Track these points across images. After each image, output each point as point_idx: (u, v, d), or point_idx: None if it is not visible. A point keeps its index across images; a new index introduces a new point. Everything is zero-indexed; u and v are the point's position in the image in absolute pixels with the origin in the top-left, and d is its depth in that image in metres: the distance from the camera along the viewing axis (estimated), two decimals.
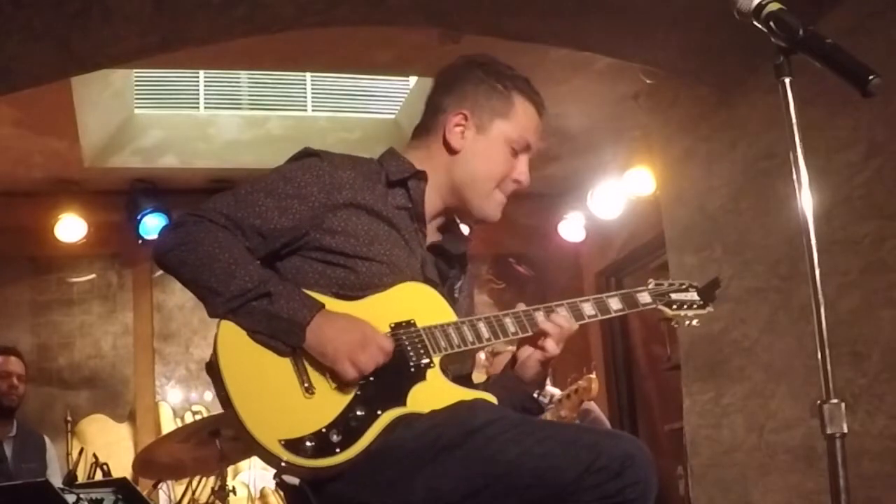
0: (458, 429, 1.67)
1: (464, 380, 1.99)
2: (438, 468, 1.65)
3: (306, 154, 1.92)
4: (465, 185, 1.96)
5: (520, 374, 1.98)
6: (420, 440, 1.69)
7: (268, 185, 1.85)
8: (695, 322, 2.13)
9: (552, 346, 1.93)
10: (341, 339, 1.70)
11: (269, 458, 1.64)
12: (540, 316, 1.94)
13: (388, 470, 1.68)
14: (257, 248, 1.82)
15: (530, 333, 1.94)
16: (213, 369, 1.73)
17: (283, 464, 1.64)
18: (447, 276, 2.00)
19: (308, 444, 1.65)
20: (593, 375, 4.07)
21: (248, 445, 1.67)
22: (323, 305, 1.74)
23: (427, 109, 2.03)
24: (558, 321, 1.93)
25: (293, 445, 1.64)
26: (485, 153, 1.96)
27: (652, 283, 2.12)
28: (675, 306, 2.11)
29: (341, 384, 1.72)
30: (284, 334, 1.71)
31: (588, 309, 1.99)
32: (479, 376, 2.26)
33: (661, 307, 2.09)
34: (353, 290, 1.82)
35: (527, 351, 1.97)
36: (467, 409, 1.76)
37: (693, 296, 2.14)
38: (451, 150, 1.96)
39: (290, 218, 1.82)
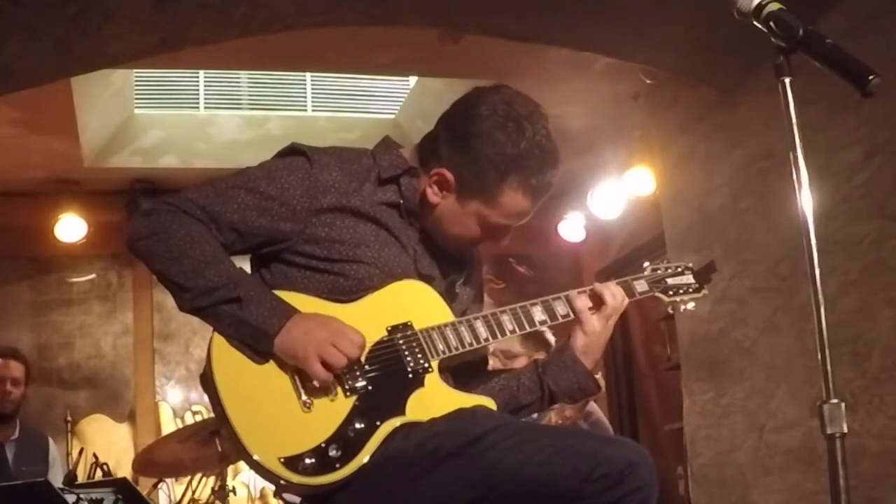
0: (457, 437, 1.65)
1: (474, 372, 1.97)
2: (439, 477, 1.63)
3: (293, 151, 1.87)
4: (435, 235, 1.92)
5: (573, 347, 1.97)
6: (420, 449, 1.67)
7: (250, 182, 1.81)
8: (690, 306, 2.13)
9: (611, 300, 1.93)
10: (309, 339, 1.67)
11: (269, 476, 1.62)
12: (538, 312, 1.92)
13: (389, 481, 1.66)
14: (232, 244, 1.79)
15: (528, 330, 1.92)
16: (207, 382, 1.70)
17: (281, 482, 1.61)
18: (447, 271, 1.96)
19: (307, 461, 1.62)
20: (599, 375, 4.06)
21: (245, 461, 1.64)
22: (295, 311, 1.71)
23: (433, 134, 1.92)
24: (612, 291, 1.95)
25: (292, 463, 1.61)
26: (455, 220, 1.88)
27: (648, 268, 2.12)
28: (671, 292, 2.10)
29: (339, 396, 1.69)
30: (253, 340, 1.69)
31: (585, 299, 1.97)
32: None
33: (657, 294, 2.09)
34: (344, 294, 1.79)
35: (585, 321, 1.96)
36: (467, 416, 1.74)
37: (689, 279, 2.13)
38: (426, 203, 1.88)
39: (268, 219, 1.78)
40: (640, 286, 2.07)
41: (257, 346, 1.69)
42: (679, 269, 2.14)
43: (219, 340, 1.71)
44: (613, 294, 1.96)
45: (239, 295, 1.69)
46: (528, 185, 1.84)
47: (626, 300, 1.98)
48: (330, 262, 1.79)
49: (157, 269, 1.75)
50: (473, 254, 2.08)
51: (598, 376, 4.04)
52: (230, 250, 1.79)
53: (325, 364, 1.67)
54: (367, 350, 1.76)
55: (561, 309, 1.95)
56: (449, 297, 1.92)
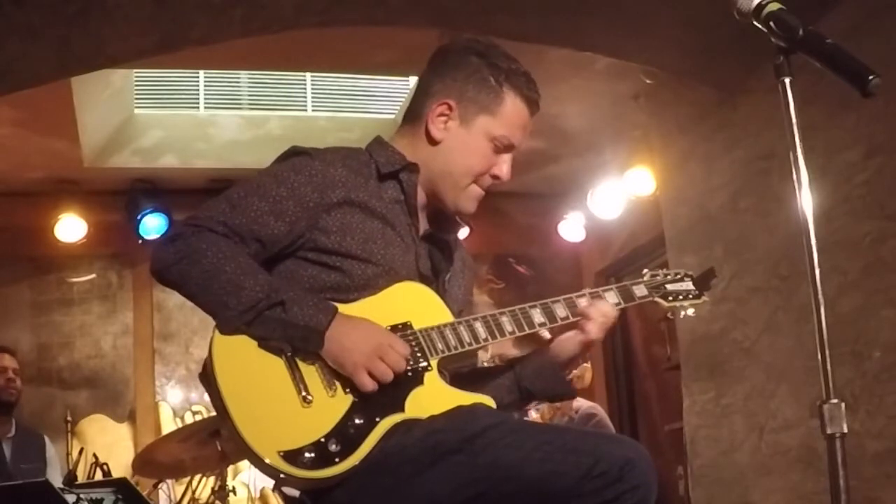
0: (456, 434, 1.66)
1: (465, 377, 1.98)
2: (437, 474, 1.64)
3: (295, 153, 1.88)
4: (441, 178, 1.92)
5: (556, 353, 1.97)
6: (419, 446, 1.67)
7: (260, 189, 1.80)
8: (690, 312, 2.11)
9: (594, 330, 1.92)
10: (357, 351, 1.68)
11: (268, 469, 1.62)
12: (537, 314, 1.92)
13: (388, 477, 1.67)
14: (256, 254, 1.79)
15: (527, 332, 1.92)
16: (207, 377, 1.70)
17: (281, 475, 1.62)
18: (440, 269, 1.98)
19: (307, 455, 1.63)
20: (587, 364, 4.05)
21: (245, 456, 1.65)
22: (336, 308, 1.72)
23: (418, 90, 1.98)
24: (603, 308, 1.93)
25: (292, 457, 1.62)
26: (464, 147, 1.90)
27: (648, 275, 2.11)
28: (670, 298, 2.09)
29: (339, 392, 1.70)
30: (302, 341, 1.69)
31: (584, 304, 1.97)
32: None
33: (656, 299, 2.07)
34: (347, 293, 1.80)
35: (568, 332, 1.97)
36: (466, 413, 1.75)
37: (688, 285, 2.12)
38: (432, 141, 1.91)
39: (286, 221, 1.78)
40: (640, 291, 2.06)
41: (307, 345, 1.69)
42: (679, 276, 2.13)
43: (221, 336, 1.71)
44: (610, 307, 1.96)
45: (282, 298, 1.69)
46: (523, 94, 1.91)
47: (617, 312, 1.97)
48: (339, 256, 1.80)
49: (193, 291, 1.72)
50: (460, 246, 2.10)
51: (587, 365, 4.01)
52: (255, 261, 1.79)
53: (372, 376, 1.69)
54: None
55: (560, 311, 1.95)
56: (440, 292, 1.93)
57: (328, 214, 1.80)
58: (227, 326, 1.70)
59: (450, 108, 1.90)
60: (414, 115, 1.96)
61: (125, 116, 5.98)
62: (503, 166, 1.93)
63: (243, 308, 1.68)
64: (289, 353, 1.70)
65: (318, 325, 1.68)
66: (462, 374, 2.02)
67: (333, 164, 1.85)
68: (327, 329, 1.68)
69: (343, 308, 1.77)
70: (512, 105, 1.90)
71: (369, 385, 1.68)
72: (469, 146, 1.91)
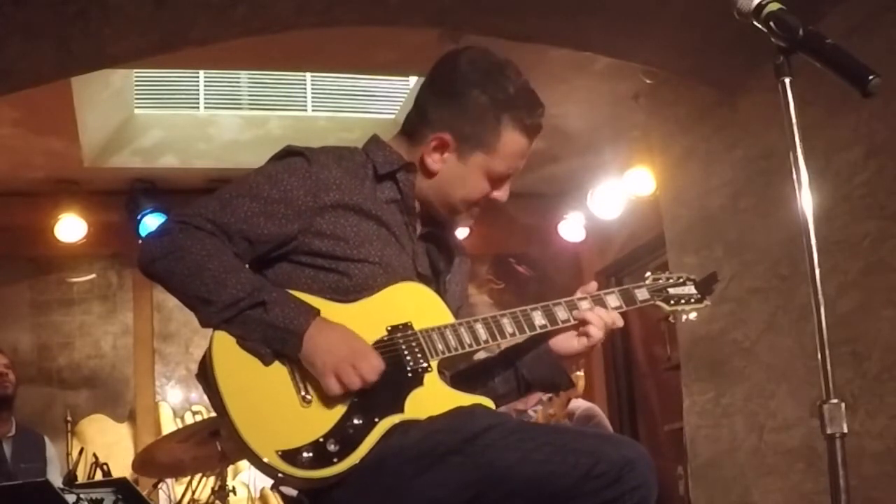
0: (456, 435, 1.66)
1: (463, 380, 1.98)
2: (437, 475, 1.64)
3: (289, 153, 1.86)
4: (438, 204, 1.94)
5: (556, 347, 1.97)
6: (418, 447, 1.67)
7: (252, 189, 1.80)
8: (692, 316, 2.11)
9: (596, 333, 1.93)
10: (330, 354, 1.68)
11: (266, 469, 1.63)
12: (538, 316, 1.92)
13: (387, 477, 1.66)
14: (244, 253, 1.79)
15: (528, 334, 1.92)
16: (205, 376, 1.70)
17: (280, 475, 1.62)
18: (439, 269, 1.98)
19: (305, 454, 1.63)
20: (580, 372, 4.05)
21: (244, 455, 1.65)
22: (318, 311, 1.71)
23: (416, 106, 1.96)
24: (602, 314, 1.94)
25: (290, 457, 1.62)
26: (461, 181, 1.90)
27: (650, 278, 2.11)
28: (672, 301, 2.09)
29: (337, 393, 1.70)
30: (280, 343, 1.68)
31: (586, 306, 1.97)
32: None
33: (658, 303, 2.07)
34: (346, 294, 1.79)
35: (568, 332, 1.97)
36: (466, 415, 1.74)
37: (690, 289, 2.12)
38: (428, 173, 1.91)
39: (276, 223, 1.78)
40: (642, 294, 2.06)
41: (284, 347, 1.69)
42: (681, 280, 2.13)
43: (221, 335, 1.71)
44: (609, 315, 1.96)
45: (264, 299, 1.69)
46: (523, 125, 1.88)
47: (620, 322, 1.98)
48: (334, 259, 1.80)
49: (177, 287, 1.73)
50: (460, 245, 2.10)
51: (580, 374, 4.02)
52: (243, 260, 1.79)
53: (339, 381, 1.68)
54: None
55: (562, 314, 1.94)
56: (440, 291, 1.93)
57: (321, 217, 1.80)
58: (207, 322, 1.71)
59: (446, 142, 1.88)
60: (410, 134, 1.94)
61: (125, 116, 5.98)
62: (502, 192, 1.95)
63: (224, 305, 1.68)
64: (269, 358, 1.69)
65: (297, 328, 1.68)
66: (459, 368, 2.02)
67: (328, 167, 1.83)
68: (305, 332, 1.68)
69: (343, 309, 1.77)
70: (510, 139, 1.87)
71: (335, 388, 1.67)
72: (466, 180, 1.90)
